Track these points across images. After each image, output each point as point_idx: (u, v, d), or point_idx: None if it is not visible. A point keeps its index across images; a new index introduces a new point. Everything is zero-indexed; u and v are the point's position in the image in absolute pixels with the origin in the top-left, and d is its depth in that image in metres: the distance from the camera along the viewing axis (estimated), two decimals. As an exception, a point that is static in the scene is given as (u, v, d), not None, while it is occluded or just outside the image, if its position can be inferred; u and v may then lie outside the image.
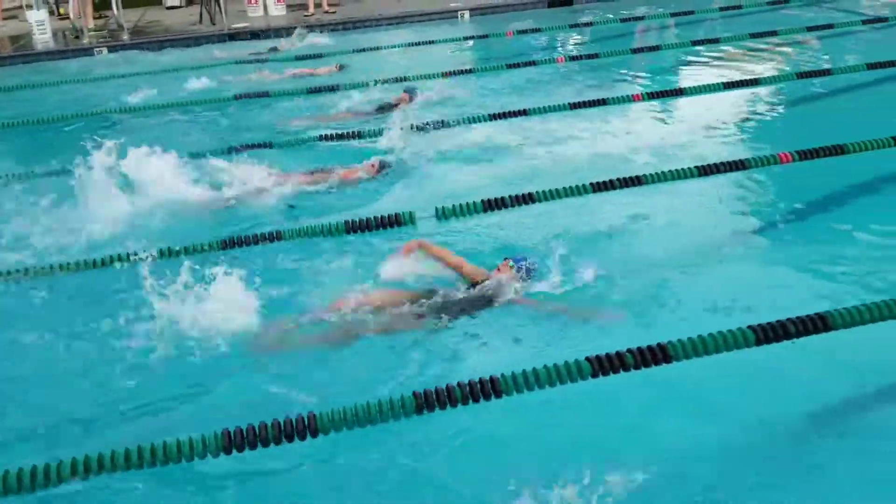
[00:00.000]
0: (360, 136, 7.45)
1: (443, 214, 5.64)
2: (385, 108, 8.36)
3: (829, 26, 11.03)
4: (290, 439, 3.28)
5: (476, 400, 3.45)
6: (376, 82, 9.19)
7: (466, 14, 14.00)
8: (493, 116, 7.75)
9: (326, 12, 14.16)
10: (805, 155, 6.10)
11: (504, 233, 5.41)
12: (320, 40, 12.34)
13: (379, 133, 7.28)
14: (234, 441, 3.25)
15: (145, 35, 13.53)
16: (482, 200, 5.72)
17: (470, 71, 9.90)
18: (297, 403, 3.57)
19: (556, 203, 5.71)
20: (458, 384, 3.45)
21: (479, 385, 3.46)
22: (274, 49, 11.92)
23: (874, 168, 6.05)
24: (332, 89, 9.25)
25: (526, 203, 5.73)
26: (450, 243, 5.25)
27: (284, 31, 12.97)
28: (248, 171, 6.36)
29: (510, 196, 5.75)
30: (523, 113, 7.78)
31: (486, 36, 12.22)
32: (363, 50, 11.44)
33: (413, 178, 6.46)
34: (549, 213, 5.62)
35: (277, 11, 14.59)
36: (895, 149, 6.13)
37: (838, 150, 6.13)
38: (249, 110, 8.83)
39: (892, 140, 6.19)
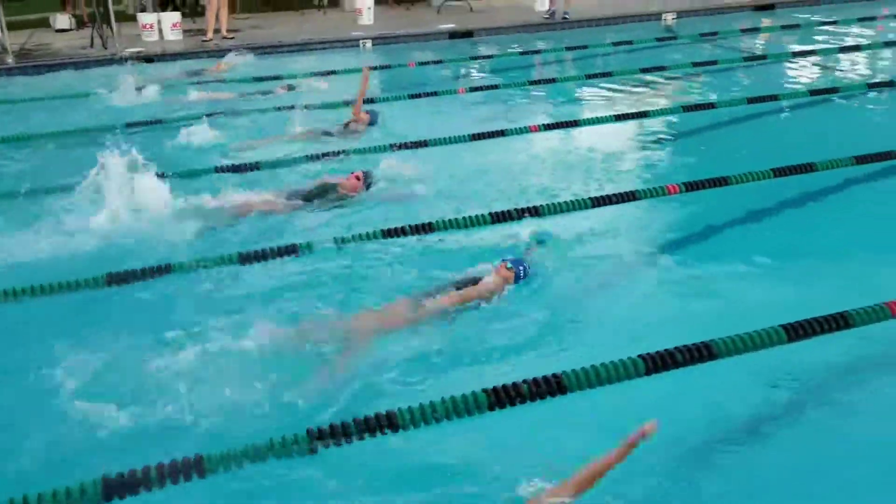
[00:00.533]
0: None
1: (342, 241, 5.59)
2: (343, 129, 8.38)
3: (714, 63, 11.64)
4: (176, 481, 3.14)
5: (373, 434, 3.40)
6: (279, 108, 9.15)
7: (369, 43, 14.05)
8: (395, 147, 7.76)
9: (225, 38, 13.93)
10: (691, 186, 6.37)
11: (403, 261, 5.40)
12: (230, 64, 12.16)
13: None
14: (115, 488, 3.08)
15: (32, 59, 12.95)
16: (381, 230, 5.71)
17: (371, 100, 9.90)
18: (184, 443, 3.43)
19: (454, 232, 5.75)
20: (354, 420, 3.39)
21: (375, 420, 3.42)
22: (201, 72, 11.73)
23: (755, 199, 6.36)
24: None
25: (425, 232, 5.75)
26: (348, 272, 5.22)
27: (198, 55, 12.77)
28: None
29: (410, 225, 5.77)
30: (424, 144, 7.84)
31: (388, 66, 12.27)
32: (262, 79, 11.29)
33: (311, 205, 6.38)
34: (448, 241, 5.65)
35: (173, 36, 14.24)
36: (773, 180, 6.49)
37: (722, 181, 6.44)
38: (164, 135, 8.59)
39: (770, 172, 6.55)
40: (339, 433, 3.34)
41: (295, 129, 8.53)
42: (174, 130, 8.56)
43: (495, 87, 10.58)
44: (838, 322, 4.15)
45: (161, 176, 6.87)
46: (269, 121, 8.99)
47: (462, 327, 4.50)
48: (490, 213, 5.93)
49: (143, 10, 14.87)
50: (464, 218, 5.85)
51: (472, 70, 12.17)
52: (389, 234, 5.69)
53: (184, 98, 10.08)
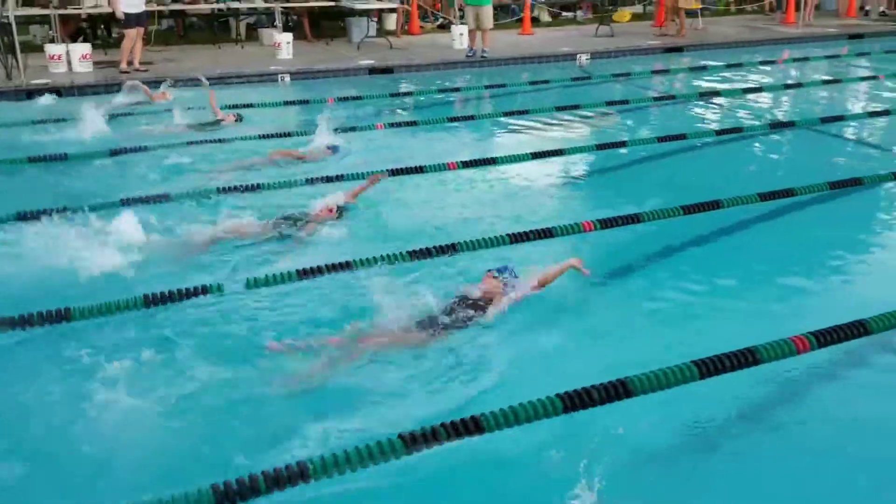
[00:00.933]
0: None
1: (254, 284, 5.43)
2: (303, 161, 8.43)
3: (626, 102, 11.99)
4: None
5: (282, 488, 3.26)
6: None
7: (287, 77, 13.92)
8: (310, 181, 7.66)
9: (138, 70, 13.57)
10: (605, 223, 6.48)
11: (319, 301, 5.29)
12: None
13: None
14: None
15: (-73, 89, 12.31)
16: (297, 270, 5.57)
17: (288, 134, 9.79)
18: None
19: (372, 270, 5.66)
20: (263, 473, 3.24)
21: (285, 472, 3.28)
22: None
23: (666, 236, 6.51)
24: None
25: (342, 269, 5.65)
26: (260, 314, 5.07)
27: (102, 89, 12.41)
28: None
29: (326, 264, 5.65)
30: (339, 178, 7.76)
31: (307, 101, 12.17)
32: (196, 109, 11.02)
33: (224, 245, 6.21)
34: (365, 280, 5.54)
35: (83, 68, 13.77)
36: (683, 217, 6.68)
37: (634, 218, 6.58)
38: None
39: (680, 209, 6.73)
40: (247, 489, 3.19)
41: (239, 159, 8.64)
42: (85, 164, 8.29)
43: (414, 123, 10.61)
44: (747, 358, 4.24)
45: (71, 212, 6.61)
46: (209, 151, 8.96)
47: (381, 370, 4.42)
48: (408, 252, 5.88)
49: (52, 40, 14.35)
50: (382, 256, 5.77)
51: (391, 106, 12.18)
52: (305, 273, 5.56)
53: (112, 130, 9.85)
